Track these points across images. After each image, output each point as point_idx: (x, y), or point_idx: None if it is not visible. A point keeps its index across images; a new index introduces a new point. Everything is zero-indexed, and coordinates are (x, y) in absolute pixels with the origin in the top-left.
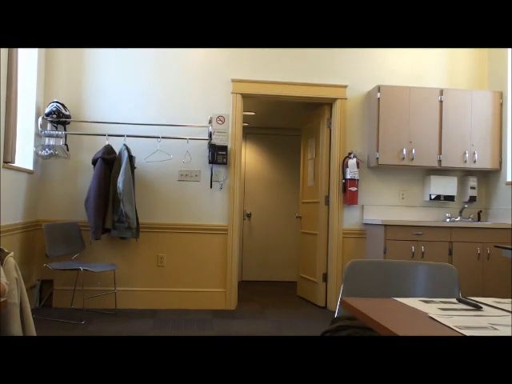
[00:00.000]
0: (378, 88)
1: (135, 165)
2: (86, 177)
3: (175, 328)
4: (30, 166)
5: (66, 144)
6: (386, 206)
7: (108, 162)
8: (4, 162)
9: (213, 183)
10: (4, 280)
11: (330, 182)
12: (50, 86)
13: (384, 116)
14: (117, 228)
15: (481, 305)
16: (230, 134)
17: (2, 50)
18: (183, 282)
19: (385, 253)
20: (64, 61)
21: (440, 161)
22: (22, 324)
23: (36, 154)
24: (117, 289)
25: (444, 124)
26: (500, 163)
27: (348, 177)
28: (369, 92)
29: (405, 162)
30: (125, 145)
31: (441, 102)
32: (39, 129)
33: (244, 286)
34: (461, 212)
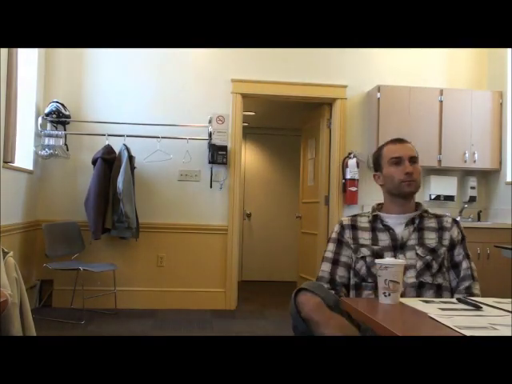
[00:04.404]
0: (378, 88)
1: (135, 165)
2: (86, 177)
3: (175, 328)
4: (29, 166)
5: (65, 144)
6: None
7: (108, 161)
8: (4, 161)
9: (213, 183)
10: (8, 291)
11: (329, 182)
12: (50, 85)
13: (384, 116)
14: (117, 228)
15: (481, 305)
16: (229, 134)
17: (2, 50)
18: (183, 282)
19: None
20: (64, 61)
21: (440, 161)
22: (21, 324)
23: (36, 153)
24: (117, 289)
25: (444, 124)
26: (500, 163)
27: (348, 177)
28: (369, 92)
29: None
30: (125, 145)
31: (441, 101)
32: (39, 129)
33: (244, 285)
34: (461, 212)
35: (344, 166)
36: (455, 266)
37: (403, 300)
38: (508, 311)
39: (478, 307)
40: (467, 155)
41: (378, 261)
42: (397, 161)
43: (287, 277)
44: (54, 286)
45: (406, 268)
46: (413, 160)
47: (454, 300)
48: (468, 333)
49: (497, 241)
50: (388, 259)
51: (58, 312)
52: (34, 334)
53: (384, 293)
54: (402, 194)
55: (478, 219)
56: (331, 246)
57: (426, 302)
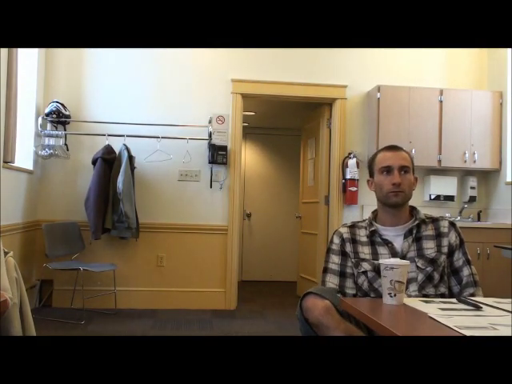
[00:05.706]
0: (378, 88)
1: (135, 165)
2: (86, 177)
3: (175, 328)
4: (30, 166)
5: (65, 144)
6: None
7: (108, 161)
8: (4, 161)
9: (213, 183)
10: (9, 295)
11: (329, 181)
12: (50, 85)
13: (384, 116)
14: (117, 228)
15: (481, 305)
16: (229, 134)
17: (2, 50)
18: (183, 282)
19: None
20: (64, 61)
21: (440, 161)
22: (21, 324)
23: (36, 153)
24: (117, 289)
25: (444, 124)
26: (500, 163)
27: (348, 177)
28: (369, 92)
29: None
30: (125, 145)
31: (441, 101)
32: (39, 129)
33: (244, 285)
34: (461, 212)
35: (344, 165)
36: (455, 272)
37: (404, 300)
38: (508, 311)
39: (478, 307)
40: (467, 155)
41: (382, 261)
42: (387, 170)
43: (287, 277)
44: (54, 285)
45: (408, 281)
46: (404, 170)
47: (453, 300)
48: (468, 333)
49: (497, 241)
50: (393, 260)
51: (58, 312)
52: (34, 334)
53: (390, 293)
54: (388, 204)
55: (478, 219)
56: (335, 258)
57: (426, 302)
